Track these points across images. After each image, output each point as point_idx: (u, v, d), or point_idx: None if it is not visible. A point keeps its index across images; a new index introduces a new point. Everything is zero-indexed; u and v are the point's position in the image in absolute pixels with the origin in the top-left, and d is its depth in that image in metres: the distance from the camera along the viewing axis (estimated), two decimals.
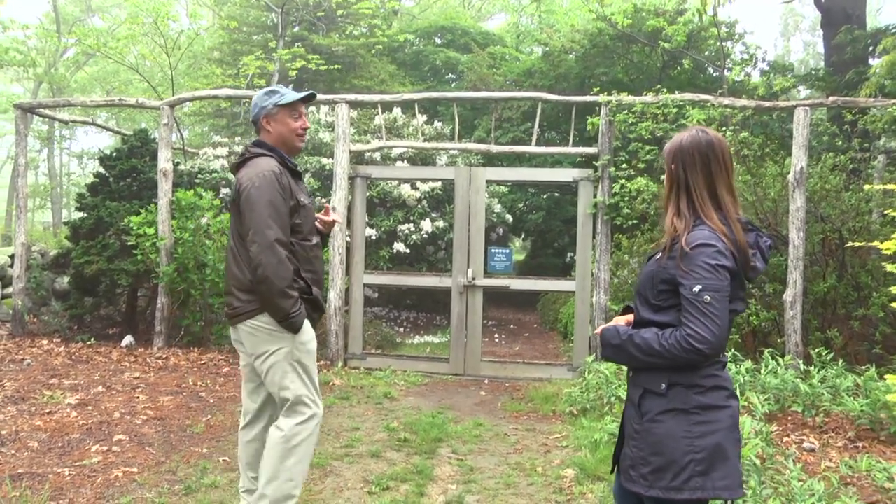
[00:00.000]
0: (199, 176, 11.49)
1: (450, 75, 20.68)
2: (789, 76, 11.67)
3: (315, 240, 3.48)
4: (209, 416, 5.58)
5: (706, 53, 13.79)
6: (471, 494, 4.29)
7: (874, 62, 12.84)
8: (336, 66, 15.00)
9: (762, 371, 6.44)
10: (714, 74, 14.04)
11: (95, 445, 4.68)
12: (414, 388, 7.31)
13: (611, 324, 2.49)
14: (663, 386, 2.29)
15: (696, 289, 2.18)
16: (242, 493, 3.51)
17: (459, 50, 20.69)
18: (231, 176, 11.47)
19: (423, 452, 5.06)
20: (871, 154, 9.36)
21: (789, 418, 5.92)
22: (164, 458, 4.56)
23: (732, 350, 6.94)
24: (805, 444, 5.29)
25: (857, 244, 5.89)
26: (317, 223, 3.54)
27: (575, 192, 17.25)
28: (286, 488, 3.22)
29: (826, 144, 8.46)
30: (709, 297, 2.16)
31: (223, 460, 4.59)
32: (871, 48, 12.65)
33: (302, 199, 3.37)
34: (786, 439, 5.38)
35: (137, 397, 6.03)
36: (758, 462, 4.11)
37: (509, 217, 14.08)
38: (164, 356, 7.87)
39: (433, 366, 7.97)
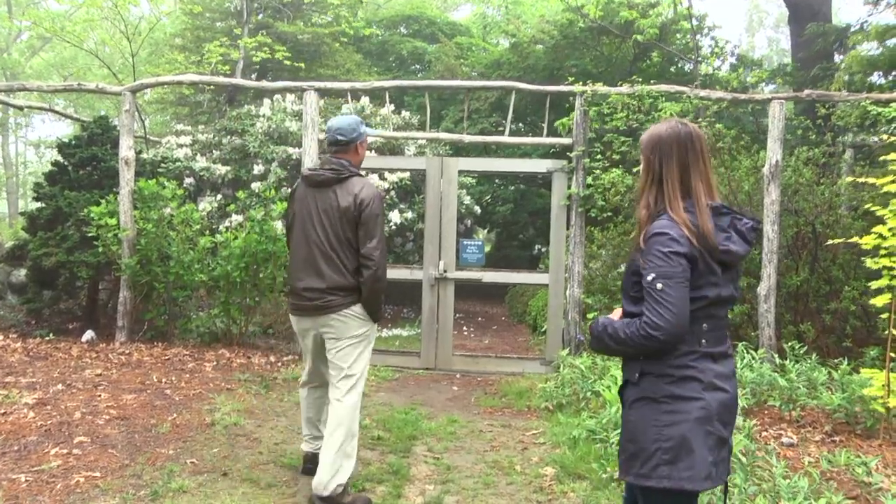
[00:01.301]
0: (163, 165, 11.20)
1: (416, 66, 20.48)
2: (759, 70, 11.66)
3: None
4: (175, 415, 5.36)
5: (673, 47, 13.78)
6: (450, 495, 4.15)
7: (839, 58, 12.95)
8: (301, 63, 14.71)
9: (738, 365, 6.40)
10: (684, 68, 14.03)
11: (55, 448, 4.44)
12: (385, 383, 7.16)
13: (603, 316, 2.53)
14: (637, 375, 2.36)
15: (650, 277, 2.25)
16: (310, 438, 4.32)
17: (426, 40, 20.50)
18: (195, 166, 11.21)
19: (398, 451, 4.92)
20: (839, 148, 9.39)
21: (766, 412, 5.87)
22: (129, 461, 4.35)
23: None
24: (784, 439, 5.24)
25: (836, 241, 5.83)
26: None
27: (543, 184, 17.47)
28: (353, 449, 3.94)
29: (799, 138, 8.44)
30: (661, 285, 2.22)
31: (191, 462, 4.39)
32: (836, 44, 12.73)
33: None
34: (765, 434, 5.32)
35: (99, 396, 5.78)
36: (743, 459, 4.03)
37: (478, 209, 13.96)
38: (127, 352, 7.60)
39: (404, 360, 7.82)
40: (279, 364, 7.45)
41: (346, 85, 7.92)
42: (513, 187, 17.15)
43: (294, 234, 4.10)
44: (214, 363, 7.30)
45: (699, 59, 10.82)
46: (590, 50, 14.69)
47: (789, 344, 6.87)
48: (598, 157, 7.50)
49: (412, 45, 19.88)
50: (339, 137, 4.03)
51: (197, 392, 6.14)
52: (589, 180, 7.43)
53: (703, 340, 2.29)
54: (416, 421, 5.65)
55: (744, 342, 7.06)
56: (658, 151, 2.40)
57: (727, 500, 2.71)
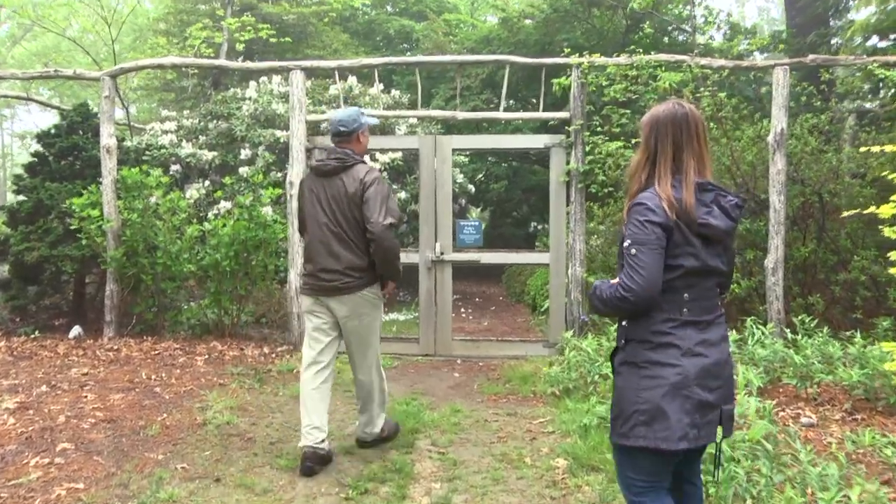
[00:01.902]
0: (147, 152, 10.88)
1: (404, 45, 20.10)
2: (759, 37, 11.33)
3: None
4: (165, 415, 5.10)
5: (666, 17, 13.45)
6: (457, 494, 3.91)
7: (833, 24, 12.67)
8: (287, 39, 14.32)
9: (749, 341, 6.18)
10: (678, 38, 13.72)
11: (35, 458, 4.18)
12: (384, 371, 6.90)
13: (599, 279, 2.73)
14: (623, 341, 2.54)
15: (626, 243, 2.41)
16: (311, 429, 4.23)
17: (413, 18, 20.11)
18: (181, 152, 10.90)
19: (401, 446, 4.67)
20: (841, 115, 9.14)
21: (781, 390, 5.66)
22: (115, 469, 4.09)
23: None
24: (803, 419, 5.02)
25: (851, 212, 5.58)
26: None
27: (536, 160, 17.18)
28: (385, 399, 4.65)
29: (802, 105, 8.17)
30: (634, 250, 2.38)
31: (181, 468, 4.14)
32: (832, 10, 12.45)
33: None
34: (782, 414, 5.10)
35: (85, 397, 5.52)
36: (768, 446, 3.80)
37: (471, 187, 13.68)
38: (116, 347, 7.34)
39: (402, 346, 7.57)
40: (273, 355, 7.20)
41: (334, 63, 7.60)
42: (506, 164, 16.86)
43: (308, 222, 4.38)
44: (206, 356, 7.05)
45: (695, 28, 10.46)
46: (581, 23, 14.35)
47: (799, 317, 6.67)
48: (598, 129, 7.22)
49: (399, 24, 19.51)
50: (341, 128, 4.32)
51: (188, 389, 5.89)
52: (588, 155, 7.15)
53: (685, 309, 2.43)
54: (418, 412, 5.40)
55: (752, 317, 6.84)
56: (655, 131, 2.52)
57: (719, 461, 2.88)
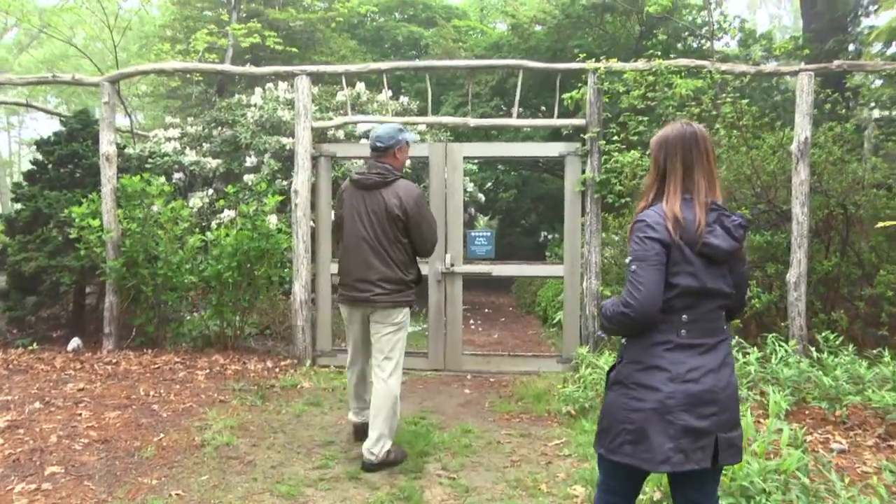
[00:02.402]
0: (150, 160, 10.67)
1: (412, 51, 19.88)
2: (783, 41, 11.07)
3: None
4: (161, 435, 4.86)
5: (680, 23, 13.22)
6: None
7: (852, 30, 12.40)
8: (293, 48, 14.11)
9: (773, 360, 5.91)
10: (692, 45, 13.46)
11: (21, 484, 3.93)
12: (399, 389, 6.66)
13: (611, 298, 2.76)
14: (620, 359, 2.60)
15: (628, 260, 2.46)
16: (356, 411, 4.88)
17: (422, 24, 19.90)
18: (185, 160, 10.69)
19: (409, 471, 4.42)
20: (865, 123, 8.87)
21: (807, 413, 5.38)
22: (106, 495, 3.85)
23: (736, 337, 6.39)
24: (833, 445, 4.74)
25: (886, 223, 5.31)
26: None
27: (546, 169, 16.92)
28: (395, 421, 4.55)
29: (826, 113, 7.89)
30: (634, 267, 2.41)
31: (176, 494, 3.89)
32: (851, 16, 12.19)
33: None
34: (810, 439, 4.82)
35: (80, 414, 5.28)
36: (806, 481, 3.53)
37: (481, 196, 13.44)
38: (115, 361, 7.11)
39: (410, 361, 7.27)
40: (276, 370, 6.96)
41: (341, 68, 7.38)
42: (515, 173, 16.61)
43: (345, 232, 4.58)
44: (207, 371, 6.81)
45: (713, 34, 10.20)
46: (593, 29, 14.13)
47: (822, 334, 6.40)
48: (615, 138, 6.97)
49: (408, 30, 19.31)
50: (378, 144, 4.52)
51: (187, 406, 5.65)
52: (605, 164, 6.89)
53: (683, 331, 2.43)
54: (427, 433, 5.14)
55: (773, 333, 6.58)
56: (664, 151, 2.54)
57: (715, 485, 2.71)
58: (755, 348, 6.22)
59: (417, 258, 4.65)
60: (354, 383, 4.85)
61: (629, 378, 2.48)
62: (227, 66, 8.04)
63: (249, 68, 7.63)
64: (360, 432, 4.81)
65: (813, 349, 6.30)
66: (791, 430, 4.22)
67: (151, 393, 5.98)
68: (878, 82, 9.35)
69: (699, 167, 2.49)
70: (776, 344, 6.26)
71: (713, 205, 2.48)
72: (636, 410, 2.43)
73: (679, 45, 13.41)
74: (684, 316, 2.43)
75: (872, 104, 9.21)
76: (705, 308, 2.45)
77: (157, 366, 6.95)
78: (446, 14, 20.28)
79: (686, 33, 13.19)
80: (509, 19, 15.73)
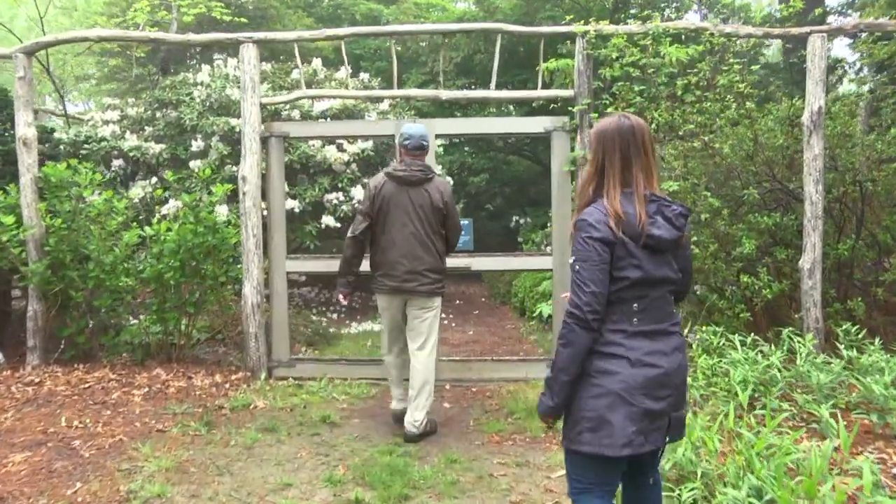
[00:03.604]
0: (86, 146, 9.61)
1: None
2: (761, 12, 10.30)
3: None
4: (78, 486, 3.92)
5: None
6: None
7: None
8: (242, 19, 13.02)
9: (799, 361, 5.15)
10: (670, 18, 12.66)
11: None
12: (359, 402, 5.79)
13: None
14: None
15: (572, 260, 2.50)
16: (399, 398, 5.14)
17: (382, 2, 18.93)
18: (124, 145, 9.65)
19: None
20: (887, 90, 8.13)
21: (849, 426, 4.61)
22: None
23: (751, 335, 5.63)
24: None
25: None
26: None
27: (514, 150, 16.06)
28: (431, 396, 5.00)
29: (837, 78, 7.14)
30: (577, 267, 2.46)
31: None
32: None
33: None
34: (858, 456, 4.05)
35: None
36: None
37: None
38: (38, 380, 6.14)
39: (380, 370, 6.37)
40: (227, 385, 6.05)
41: (292, 34, 6.42)
42: (485, 155, 15.71)
43: (390, 227, 4.82)
44: (146, 390, 5.87)
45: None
46: (563, 0, 13.24)
47: (843, 327, 5.69)
48: (610, 110, 6.13)
49: (367, 7, 18.28)
50: (424, 143, 4.90)
51: (116, 440, 4.72)
52: None
53: (636, 319, 2.47)
54: (405, 467, 4.27)
55: (787, 328, 5.85)
56: (602, 145, 2.56)
57: (658, 461, 2.76)
58: (772, 346, 5.50)
59: None
60: (397, 369, 5.17)
61: (590, 368, 2.47)
62: (160, 34, 7.01)
63: (188, 35, 6.62)
64: (402, 419, 5.00)
65: (825, 341, 5.59)
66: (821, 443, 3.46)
67: (75, 423, 5.04)
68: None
69: (637, 161, 2.51)
70: (792, 339, 5.54)
71: (652, 196, 2.51)
72: (596, 397, 2.44)
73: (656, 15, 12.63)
74: (635, 305, 2.47)
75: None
76: (654, 295, 2.51)
77: (87, 385, 5.99)
78: None
79: (664, 4, 12.38)
80: None
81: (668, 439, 2.56)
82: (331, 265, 6.76)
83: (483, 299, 12.72)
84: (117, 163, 9.71)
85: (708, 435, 3.76)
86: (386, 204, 4.81)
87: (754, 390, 4.81)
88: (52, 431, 4.85)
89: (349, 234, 4.96)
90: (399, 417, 5.05)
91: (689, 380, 5.13)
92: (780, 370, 4.96)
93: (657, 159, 2.68)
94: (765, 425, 4.05)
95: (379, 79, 12.14)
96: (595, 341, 2.46)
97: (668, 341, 2.52)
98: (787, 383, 4.94)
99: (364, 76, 11.61)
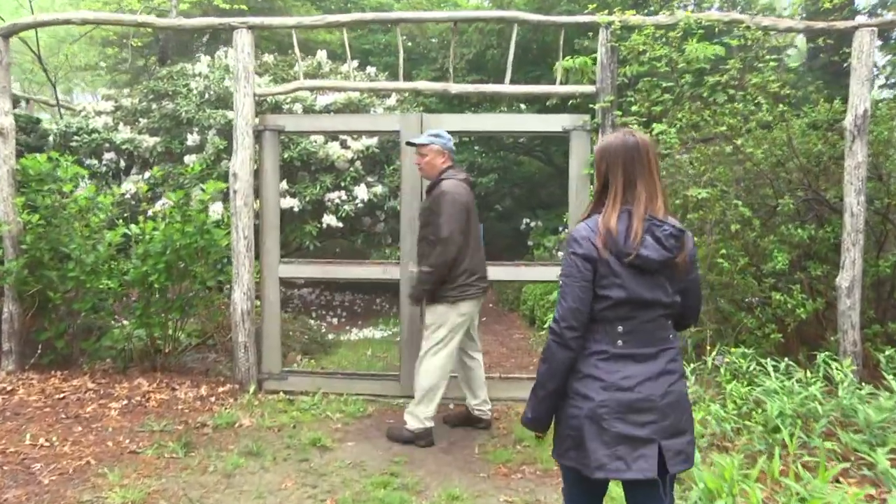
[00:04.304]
0: (76, 137, 9.18)
1: (377, 27, 18.37)
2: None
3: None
4: None
5: None
6: None
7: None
8: (242, 6, 12.54)
9: (841, 391, 4.66)
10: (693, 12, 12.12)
11: None
12: (354, 422, 5.29)
13: None
14: None
15: (559, 274, 2.49)
16: (479, 406, 5.27)
17: None
18: (116, 138, 9.23)
19: None
20: None
21: None
22: None
23: (784, 360, 5.13)
24: None
25: None
26: None
27: (525, 150, 15.53)
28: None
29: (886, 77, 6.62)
30: (562, 282, 2.45)
31: None
32: None
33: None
34: None
35: None
36: None
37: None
38: (10, 388, 5.68)
39: (379, 386, 5.92)
40: (212, 399, 5.57)
41: (291, 20, 5.94)
42: (494, 155, 15.19)
43: (471, 229, 4.87)
44: (125, 402, 5.41)
45: None
46: None
47: (884, 352, 5.20)
48: (634, 108, 5.63)
49: (377, 1, 17.82)
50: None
51: (83, 463, 4.25)
52: None
53: (619, 342, 2.42)
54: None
55: (820, 349, 5.37)
56: (605, 162, 2.51)
57: (667, 493, 2.46)
58: (807, 372, 5.01)
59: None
60: (465, 372, 5.24)
61: (570, 388, 2.46)
62: (150, 18, 6.51)
63: (178, 20, 6.19)
64: (474, 420, 5.23)
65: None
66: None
67: (41, 441, 4.57)
68: None
69: (641, 179, 2.45)
70: (829, 364, 5.05)
71: (647, 216, 2.43)
72: (574, 417, 2.43)
73: (675, 4, 12.09)
74: (620, 327, 2.42)
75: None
76: (644, 318, 2.44)
77: (62, 395, 5.52)
78: None
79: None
80: None
81: (669, 470, 2.41)
82: (328, 271, 6.30)
83: (491, 305, 12.20)
84: (109, 156, 9.28)
85: (748, 484, 3.26)
86: (471, 210, 4.89)
87: (792, 423, 4.33)
88: (12, 451, 4.37)
89: (450, 259, 4.75)
90: (478, 421, 5.24)
91: (714, 408, 4.68)
92: (821, 404, 4.46)
93: (661, 178, 2.52)
94: (811, 470, 3.57)
95: (387, 73, 11.68)
96: (577, 360, 2.45)
97: (654, 365, 2.44)
98: (833, 419, 4.44)
99: (371, 70, 11.14)
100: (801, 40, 14.67)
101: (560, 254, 8.48)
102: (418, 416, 4.85)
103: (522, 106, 13.79)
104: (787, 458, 3.81)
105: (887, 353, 5.20)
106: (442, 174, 4.89)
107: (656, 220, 2.44)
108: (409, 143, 5.20)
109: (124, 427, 4.91)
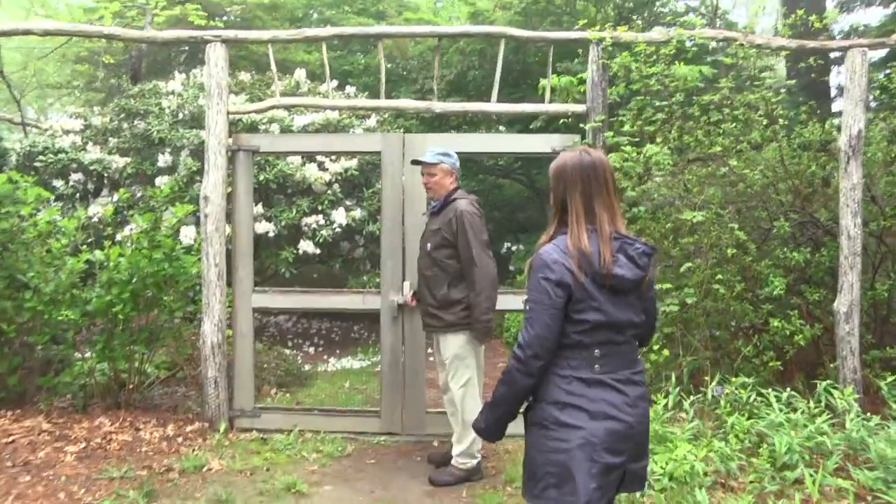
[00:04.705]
0: (41, 157, 8.81)
1: (361, 48, 18.23)
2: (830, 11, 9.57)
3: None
4: None
5: (662, 9, 11.83)
6: None
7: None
8: (219, 23, 12.26)
9: (848, 423, 4.42)
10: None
11: None
12: (332, 463, 4.95)
13: None
14: (531, 398, 2.46)
15: (525, 299, 2.40)
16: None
17: (373, 17, 18.30)
18: (84, 158, 8.90)
19: None
20: None
21: None
22: None
23: (787, 390, 4.88)
24: None
25: None
26: None
27: (504, 174, 15.29)
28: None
29: (878, 100, 6.47)
30: (528, 307, 2.36)
31: None
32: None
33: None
34: None
35: None
36: None
37: None
38: None
39: (358, 422, 5.57)
40: (179, 440, 5.21)
41: (267, 34, 5.62)
42: (474, 178, 14.96)
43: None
44: (83, 445, 5.03)
45: (716, 9, 8.71)
46: (565, 16, 12.59)
47: (885, 380, 4.98)
48: (626, 127, 5.39)
49: (357, 22, 17.62)
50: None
51: None
52: (614, 162, 5.26)
53: (597, 366, 2.35)
54: None
55: (818, 376, 5.18)
56: (563, 181, 2.46)
57: None
58: (809, 402, 4.77)
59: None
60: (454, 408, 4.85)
61: (549, 419, 2.34)
62: (117, 29, 6.20)
63: (148, 32, 5.91)
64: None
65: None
66: None
67: None
68: None
69: (599, 198, 2.39)
70: (830, 393, 4.82)
71: (615, 234, 2.38)
72: (559, 451, 2.30)
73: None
74: (597, 351, 2.35)
75: None
76: (618, 340, 2.38)
77: (11, 438, 5.12)
78: (398, 8, 18.71)
79: (669, 18, 11.74)
80: (468, 7, 14.13)
81: (621, 491, 2.45)
82: (305, 300, 5.98)
83: None
84: (76, 177, 8.90)
85: None
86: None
87: (801, 458, 4.08)
88: None
89: (493, 275, 4.60)
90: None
91: (718, 445, 4.42)
92: (830, 438, 4.21)
93: (618, 196, 2.48)
94: None
95: (367, 93, 11.42)
96: (550, 385, 2.36)
97: (634, 389, 2.39)
98: (844, 455, 4.20)
99: (350, 90, 10.88)
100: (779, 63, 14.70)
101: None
102: (471, 454, 4.64)
103: (501, 128, 13.60)
104: (796, 496, 3.54)
105: (889, 380, 4.99)
106: (451, 195, 4.72)
107: (627, 239, 2.40)
108: (415, 162, 4.92)
109: (80, 475, 4.54)
